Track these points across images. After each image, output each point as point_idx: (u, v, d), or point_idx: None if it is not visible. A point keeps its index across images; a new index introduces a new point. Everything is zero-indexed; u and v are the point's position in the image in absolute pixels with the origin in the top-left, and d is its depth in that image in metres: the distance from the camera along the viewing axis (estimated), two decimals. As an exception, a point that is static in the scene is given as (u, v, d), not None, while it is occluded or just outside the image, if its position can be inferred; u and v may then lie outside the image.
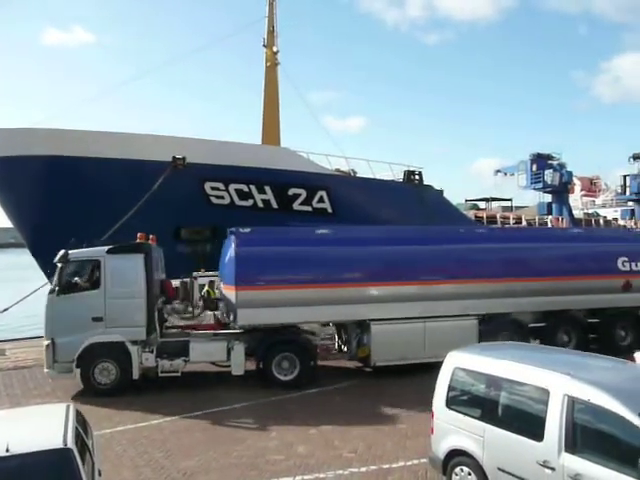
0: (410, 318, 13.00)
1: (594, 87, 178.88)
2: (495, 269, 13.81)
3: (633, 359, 10.56)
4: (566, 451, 5.43)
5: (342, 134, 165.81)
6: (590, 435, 5.54)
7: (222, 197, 21.71)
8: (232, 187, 21.74)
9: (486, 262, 13.84)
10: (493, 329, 13.46)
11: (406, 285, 13.19)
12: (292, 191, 22.68)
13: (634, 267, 14.94)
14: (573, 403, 5.51)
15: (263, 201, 22.30)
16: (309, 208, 23.02)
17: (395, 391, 11.66)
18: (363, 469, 7.85)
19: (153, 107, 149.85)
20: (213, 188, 21.50)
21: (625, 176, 48.33)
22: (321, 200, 23.19)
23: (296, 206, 22.82)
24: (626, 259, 14.83)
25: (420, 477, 7.57)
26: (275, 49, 27.04)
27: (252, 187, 22.03)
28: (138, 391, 11.73)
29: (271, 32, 27.18)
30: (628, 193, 46.66)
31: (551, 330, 14.11)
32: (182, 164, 20.22)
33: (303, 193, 22.85)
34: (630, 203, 47.05)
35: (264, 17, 27.16)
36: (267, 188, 22.24)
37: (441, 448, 6.79)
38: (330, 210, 23.26)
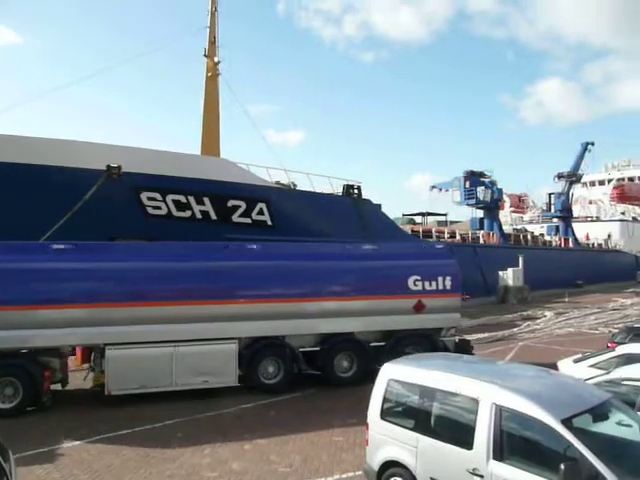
0: (157, 342, 11.65)
1: (520, 110, 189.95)
2: (260, 289, 12.60)
3: (556, 367, 11.17)
4: (494, 458, 5.59)
5: (282, 147, 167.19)
6: (516, 442, 5.72)
7: (159, 207, 21.25)
8: (169, 198, 21.34)
9: (249, 281, 12.59)
10: (257, 354, 12.46)
11: (148, 306, 11.68)
12: (231, 203, 22.54)
13: (427, 287, 13.61)
14: (500, 411, 5.70)
15: (202, 212, 22.01)
16: (248, 220, 22.93)
17: (331, 404, 11.66)
18: (299, 484, 7.79)
19: (92, 113, 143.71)
20: (150, 198, 21.03)
21: (550, 194, 51.28)
22: (261, 212, 23.17)
23: (235, 218, 22.68)
24: (418, 278, 13.52)
25: (355, 489, 7.58)
26: (216, 60, 26.91)
27: (190, 198, 21.71)
28: (62, 411, 11.14)
29: (212, 42, 27.04)
30: (553, 210, 49.52)
31: (327, 355, 12.89)
32: (117, 173, 19.69)
33: (243, 205, 22.75)
34: (555, 220, 49.89)
35: (206, 27, 27.01)
36: (206, 199, 21.98)
37: (376, 459, 6.83)
38: (270, 222, 23.26)
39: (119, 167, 19.64)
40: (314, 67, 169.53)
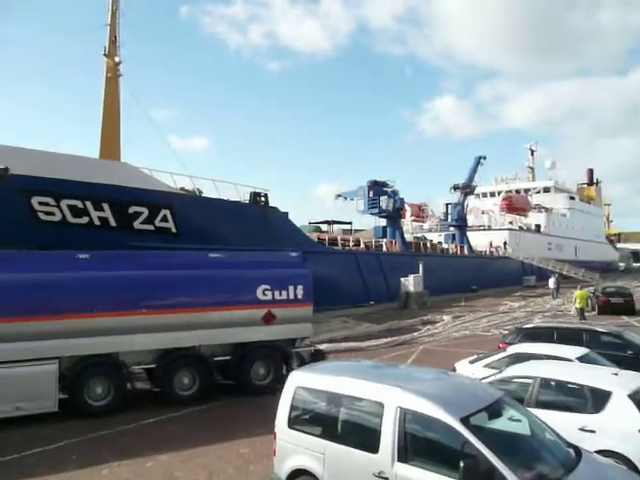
0: None
1: (419, 123, 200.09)
2: (82, 302, 11.22)
3: (454, 368, 11.77)
4: (399, 460, 5.75)
5: (187, 154, 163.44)
6: (420, 443, 5.93)
7: (52, 213, 19.87)
8: (64, 203, 20.01)
9: (70, 294, 11.20)
10: (82, 374, 11.18)
11: None
12: (133, 209, 21.59)
13: (277, 296, 13.06)
14: (404, 414, 5.88)
15: (100, 219, 20.86)
16: (151, 227, 22.07)
17: (236, 415, 11.44)
18: (204, 499, 7.55)
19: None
20: (41, 203, 19.60)
21: (447, 204, 54.23)
22: (164, 219, 22.39)
23: (137, 225, 21.74)
24: (268, 287, 12.93)
25: (263, 501, 7.48)
26: (117, 60, 25.68)
27: (88, 203, 20.51)
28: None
29: (113, 42, 25.81)
30: (450, 219, 52.39)
31: (164, 372, 11.94)
32: (3, 175, 18.14)
33: (145, 211, 21.86)
34: (451, 228, 52.78)
35: (106, 25, 25.75)
36: (105, 205, 20.88)
37: (283, 469, 6.79)
38: (174, 230, 22.56)
39: (6, 169, 18.14)
40: (218, 73, 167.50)
